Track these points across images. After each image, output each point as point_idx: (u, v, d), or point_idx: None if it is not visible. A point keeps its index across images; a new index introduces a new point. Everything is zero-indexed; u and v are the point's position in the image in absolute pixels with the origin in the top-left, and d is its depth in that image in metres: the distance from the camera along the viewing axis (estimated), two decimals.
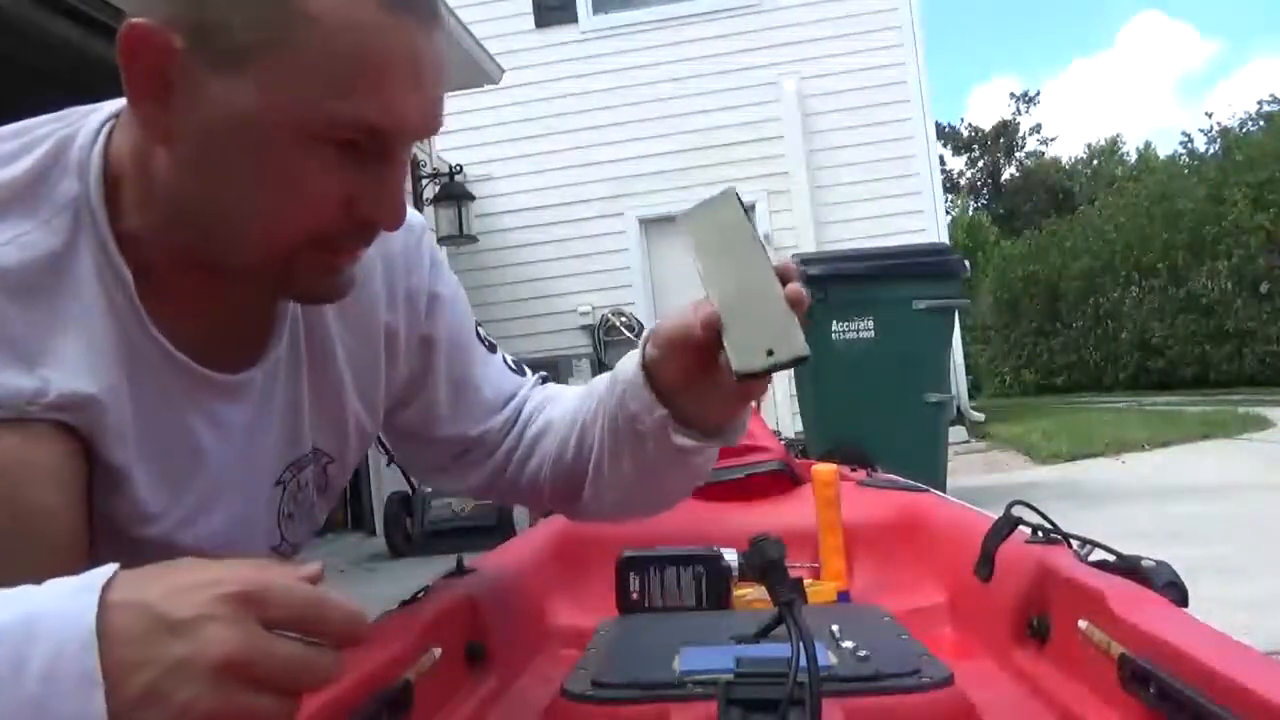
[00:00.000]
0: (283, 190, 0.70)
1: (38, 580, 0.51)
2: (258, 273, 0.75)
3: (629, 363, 0.87)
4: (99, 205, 0.73)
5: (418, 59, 0.70)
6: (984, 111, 75.64)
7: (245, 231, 0.72)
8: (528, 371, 1.07)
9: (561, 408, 1.01)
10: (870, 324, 4.05)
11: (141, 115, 0.71)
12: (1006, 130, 32.26)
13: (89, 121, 0.76)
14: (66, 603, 0.48)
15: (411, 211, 0.95)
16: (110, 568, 0.50)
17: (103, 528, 0.73)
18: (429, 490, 4.72)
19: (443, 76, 0.74)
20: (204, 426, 0.80)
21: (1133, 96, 61.45)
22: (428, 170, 7.10)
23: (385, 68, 0.68)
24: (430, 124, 0.73)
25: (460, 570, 1.06)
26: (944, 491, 2.15)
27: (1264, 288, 10.90)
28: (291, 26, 0.66)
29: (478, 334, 1.03)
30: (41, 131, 0.75)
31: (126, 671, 0.46)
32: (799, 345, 0.72)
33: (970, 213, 32.02)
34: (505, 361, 1.05)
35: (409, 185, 6.79)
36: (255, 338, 0.84)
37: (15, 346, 0.68)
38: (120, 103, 0.76)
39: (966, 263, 4.37)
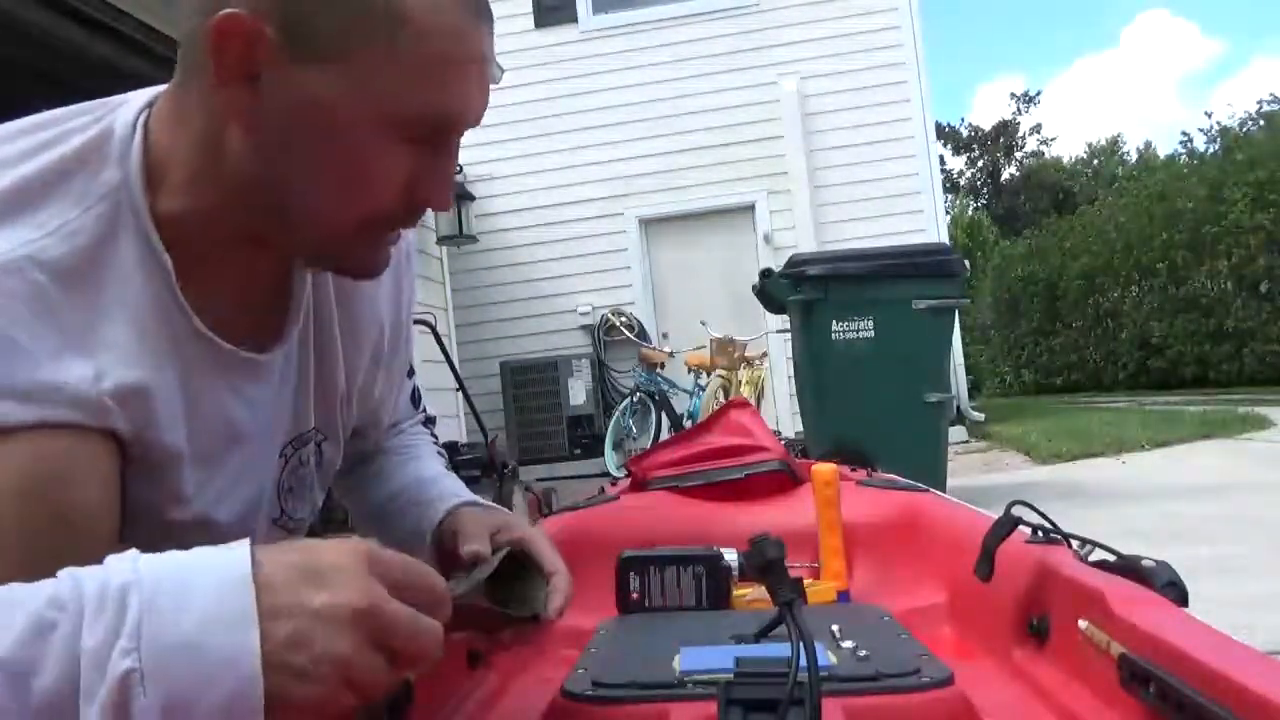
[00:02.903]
0: (354, 176, 0.75)
1: None
2: (315, 252, 0.80)
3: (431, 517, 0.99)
4: (140, 192, 0.76)
5: (485, 61, 0.77)
6: (989, 111, 75.70)
7: (314, 212, 0.77)
8: (421, 405, 1.17)
9: (400, 473, 1.10)
10: (870, 324, 4.05)
11: (223, 99, 0.74)
12: (1006, 130, 32.26)
13: (124, 112, 0.79)
14: (219, 556, 0.52)
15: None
16: (246, 541, 0.54)
17: (135, 513, 0.75)
18: None
19: (489, 70, 0.80)
20: (237, 405, 0.83)
21: (1135, 95, 61.52)
22: None
23: (464, 68, 0.75)
24: (479, 118, 0.80)
25: None
26: (944, 491, 2.15)
27: (1264, 287, 10.90)
28: (385, 26, 0.71)
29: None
30: (75, 123, 0.77)
31: (274, 616, 0.50)
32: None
33: (970, 213, 32.02)
34: (413, 394, 1.15)
35: None
36: (276, 318, 0.87)
37: (70, 335, 0.71)
38: (151, 92, 0.80)
39: (966, 263, 4.37)
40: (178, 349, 0.78)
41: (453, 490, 1.03)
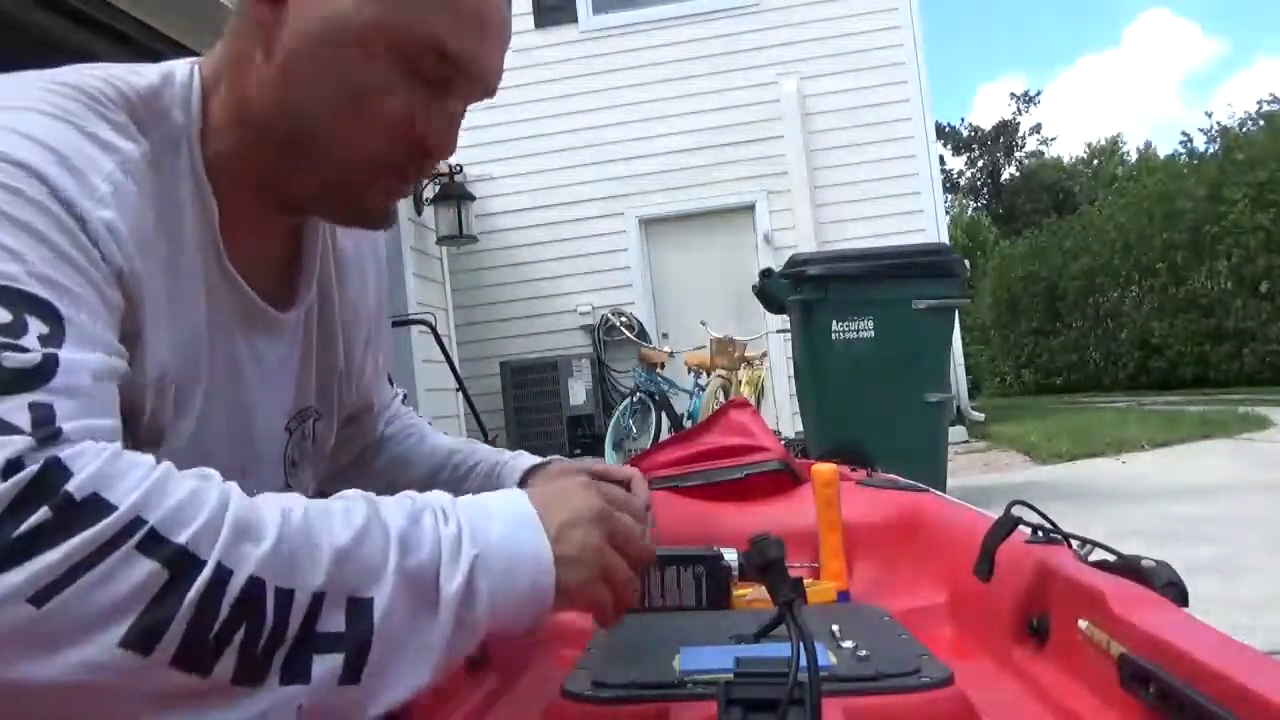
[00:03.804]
0: (364, 104, 0.76)
1: None
2: (326, 191, 0.80)
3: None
4: (195, 138, 0.78)
5: (502, 18, 0.79)
6: (989, 111, 75.67)
7: (325, 141, 0.77)
8: (393, 383, 1.20)
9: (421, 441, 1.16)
10: (870, 324, 4.05)
11: (255, 19, 0.76)
12: (1006, 130, 32.25)
13: (180, 62, 0.81)
14: (499, 492, 0.70)
15: None
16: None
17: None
18: None
19: (506, 49, 0.81)
20: (247, 358, 0.84)
21: (1136, 95, 61.49)
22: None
23: (482, 12, 0.76)
24: (491, 86, 0.81)
25: None
26: (944, 491, 2.15)
27: (1264, 288, 10.90)
28: None
29: None
30: (144, 66, 0.79)
31: (548, 520, 0.67)
32: None
33: (970, 213, 32.02)
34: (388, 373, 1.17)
35: None
36: (288, 284, 0.89)
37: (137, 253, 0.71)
38: (190, 60, 0.82)
39: (966, 263, 4.37)
40: (211, 292, 0.79)
41: (497, 455, 1.14)
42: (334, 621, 0.56)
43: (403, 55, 0.74)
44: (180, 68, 0.80)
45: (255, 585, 0.53)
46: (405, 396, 1.21)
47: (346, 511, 0.60)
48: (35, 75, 0.71)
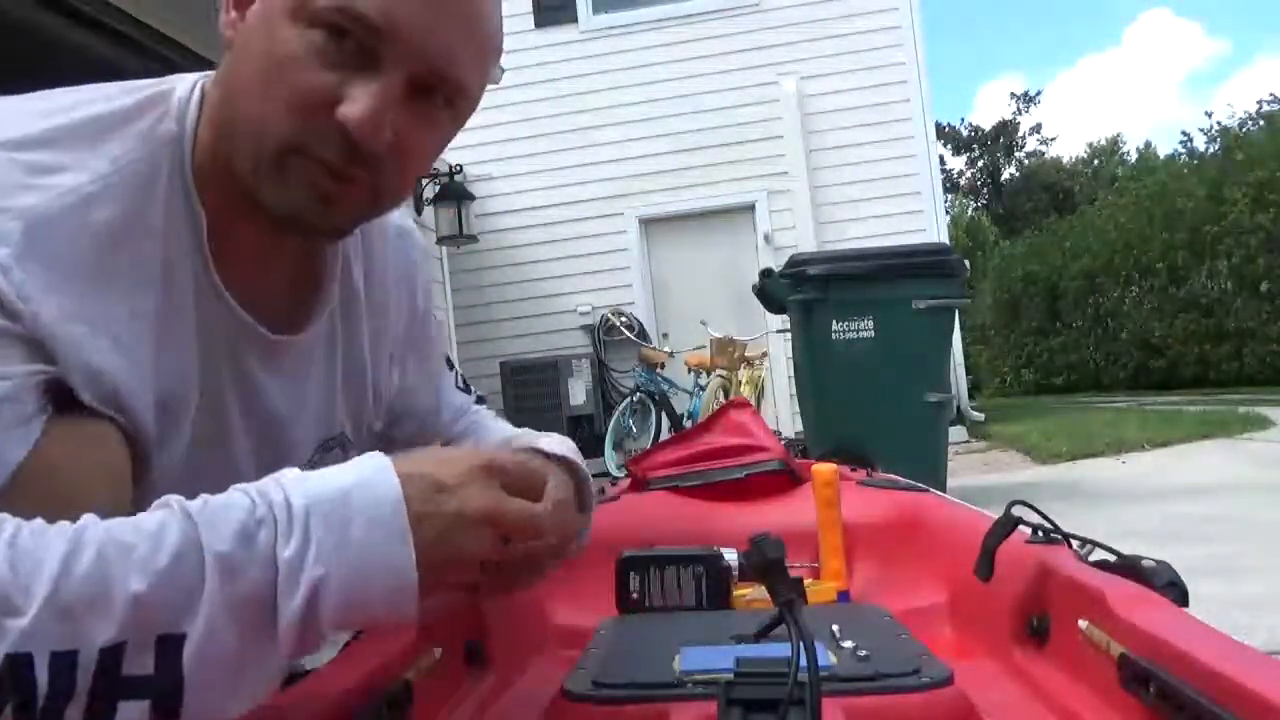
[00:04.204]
0: (275, 74, 0.72)
1: None
2: (252, 180, 0.75)
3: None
4: (189, 149, 0.77)
5: None
6: (990, 110, 75.69)
7: (244, 123, 0.74)
8: (471, 390, 1.17)
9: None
10: (870, 324, 4.04)
11: (223, 23, 0.76)
12: (1006, 130, 32.25)
13: (187, 78, 0.81)
14: (372, 477, 0.63)
15: (413, 228, 1.03)
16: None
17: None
18: None
19: (463, 21, 0.74)
20: (239, 381, 0.83)
21: (1137, 95, 61.51)
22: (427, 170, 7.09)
23: None
24: (438, 61, 0.73)
25: None
26: (944, 491, 2.15)
27: (1264, 287, 10.90)
28: None
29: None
30: (141, 82, 0.79)
31: (420, 521, 0.62)
32: None
33: (970, 213, 32.01)
34: (458, 380, 1.14)
35: None
36: (299, 309, 0.87)
37: (121, 276, 0.71)
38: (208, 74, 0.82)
39: (966, 263, 4.37)
40: (195, 310, 0.78)
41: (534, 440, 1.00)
42: (140, 664, 0.53)
43: (313, 20, 0.71)
44: (185, 81, 0.80)
45: (16, 660, 0.50)
46: (482, 399, 1.18)
47: (156, 539, 0.55)
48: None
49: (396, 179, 0.77)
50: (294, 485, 0.61)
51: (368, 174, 0.75)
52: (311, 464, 0.91)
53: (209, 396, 0.81)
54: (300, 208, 0.75)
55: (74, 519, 0.57)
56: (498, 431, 1.10)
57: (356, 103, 0.71)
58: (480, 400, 1.18)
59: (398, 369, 1.01)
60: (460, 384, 1.14)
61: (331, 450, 0.93)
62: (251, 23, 0.74)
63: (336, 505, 0.60)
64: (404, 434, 1.06)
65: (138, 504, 0.71)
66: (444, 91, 0.75)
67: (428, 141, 0.78)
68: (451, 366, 1.14)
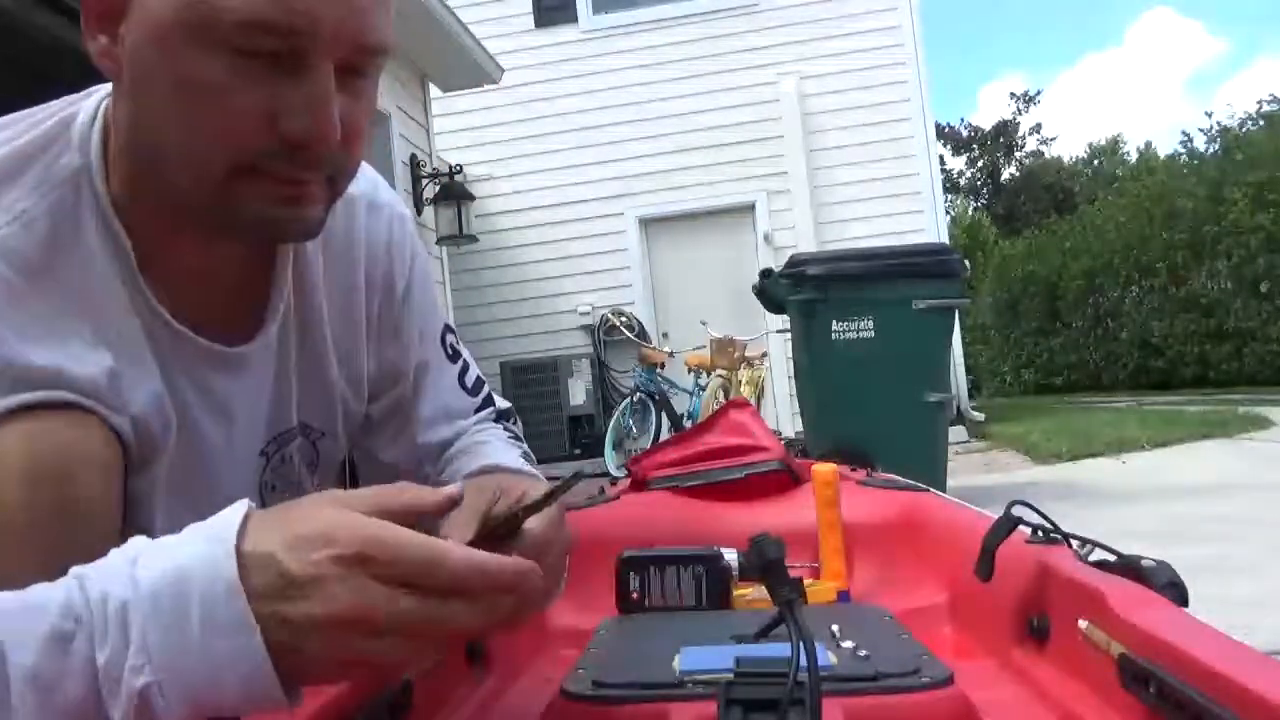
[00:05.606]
0: (200, 104, 0.68)
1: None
2: (203, 205, 0.73)
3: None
4: (99, 177, 0.75)
5: None
6: (992, 110, 75.65)
7: (177, 153, 0.71)
8: (494, 401, 1.05)
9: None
10: (870, 324, 4.05)
11: (95, 52, 0.72)
12: (1006, 130, 32.24)
13: (89, 101, 0.79)
14: (208, 550, 0.51)
15: (398, 201, 0.99)
16: (240, 511, 0.53)
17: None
18: None
19: None
20: (195, 398, 0.82)
21: (1140, 95, 61.51)
22: (428, 170, 7.10)
23: None
24: (366, 39, 0.70)
25: None
26: (944, 491, 2.15)
27: (1264, 288, 10.89)
28: None
29: (444, 340, 1.03)
30: (39, 116, 0.78)
31: (267, 621, 0.50)
32: None
33: (970, 213, 32.02)
34: (463, 378, 1.03)
35: (409, 184, 6.79)
36: (251, 313, 0.86)
37: (35, 326, 0.71)
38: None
39: (966, 263, 4.37)
40: (143, 334, 0.77)
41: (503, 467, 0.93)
42: None
43: (223, 43, 0.67)
44: (86, 107, 0.77)
45: None
46: (502, 414, 1.06)
47: None
48: None
49: (348, 162, 0.76)
50: (118, 573, 0.51)
51: (322, 171, 0.74)
52: (265, 455, 0.90)
53: (180, 414, 0.81)
54: (265, 220, 0.73)
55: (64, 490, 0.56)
56: (490, 465, 0.95)
57: (298, 115, 0.69)
58: (504, 416, 1.06)
59: (373, 344, 0.96)
60: (468, 385, 1.04)
61: (289, 443, 0.92)
62: (140, 51, 0.69)
63: (169, 592, 0.50)
64: (379, 411, 1.00)
65: (138, 504, 0.70)
66: (372, 63, 0.73)
67: (365, 113, 0.75)
68: (457, 359, 1.04)
